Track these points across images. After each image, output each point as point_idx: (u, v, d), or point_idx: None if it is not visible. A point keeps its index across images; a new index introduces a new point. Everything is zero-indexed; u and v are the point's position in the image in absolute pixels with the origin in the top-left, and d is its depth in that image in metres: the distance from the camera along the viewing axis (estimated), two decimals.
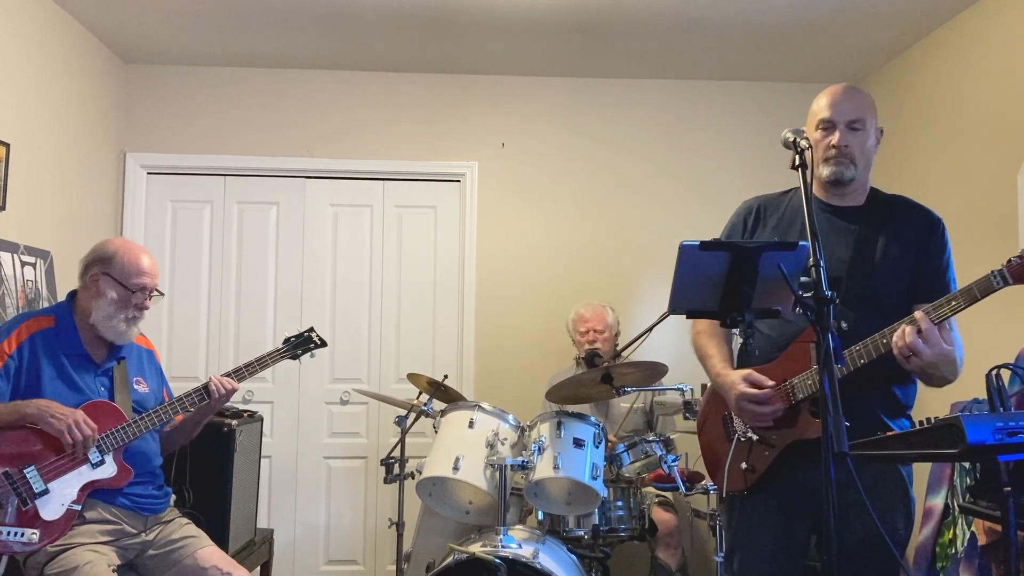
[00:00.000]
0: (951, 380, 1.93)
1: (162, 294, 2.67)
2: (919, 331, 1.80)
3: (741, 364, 2.20)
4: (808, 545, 2.15)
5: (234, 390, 2.64)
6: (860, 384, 1.91)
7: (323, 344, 2.83)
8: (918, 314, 1.83)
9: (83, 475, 2.37)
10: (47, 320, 2.51)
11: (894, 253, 2.06)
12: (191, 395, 2.59)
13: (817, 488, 1.83)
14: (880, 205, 2.15)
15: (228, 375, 2.63)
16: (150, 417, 2.49)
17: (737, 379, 2.06)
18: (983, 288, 1.76)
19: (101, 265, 2.53)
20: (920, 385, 2.10)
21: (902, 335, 1.82)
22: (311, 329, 2.84)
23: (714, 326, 2.27)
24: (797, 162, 1.84)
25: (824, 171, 2.09)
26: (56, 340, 2.48)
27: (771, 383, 2.02)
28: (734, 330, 2.15)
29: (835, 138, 2.08)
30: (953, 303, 1.80)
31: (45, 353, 2.45)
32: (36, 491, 2.29)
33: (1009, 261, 1.74)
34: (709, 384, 2.32)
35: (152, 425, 2.49)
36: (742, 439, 2.13)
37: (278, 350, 2.75)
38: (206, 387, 2.60)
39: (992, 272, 1.76)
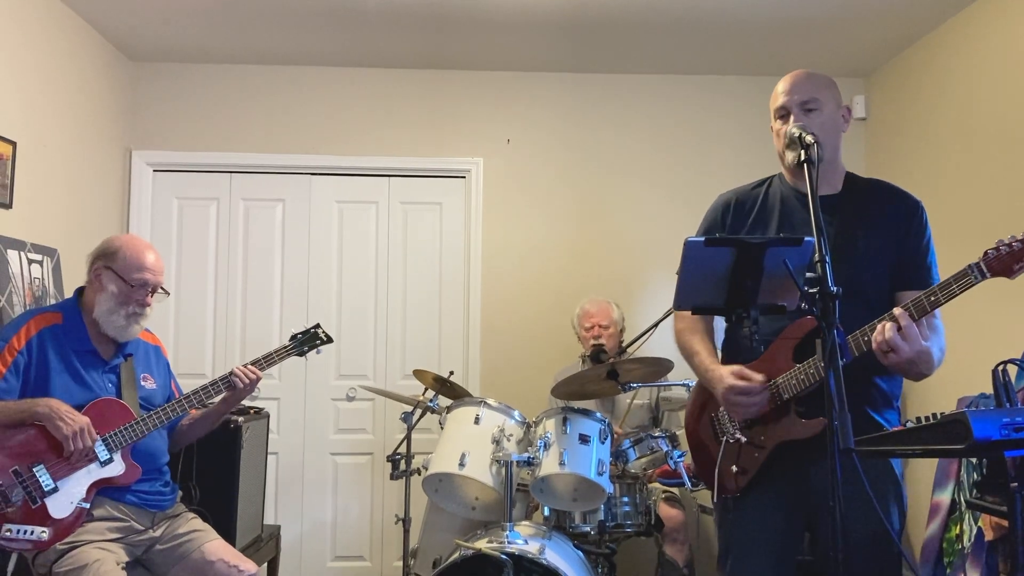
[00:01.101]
0: (929, 374, 1.90)
1: (167, 293, 2.66)
2: (899, 328, 1.79)
3: (727, 359, 2.18)
4: (801, 542, 2.15)
5: (259, 379, 2.65)
6: (846, 376, 1.90)
7: (329, 340, 2.83)
8: (897, 311, 1.81)
9: (92, 473, 2.38)
10: (55, 316, 2.52)
11: (874, 243, 2.04)
12: (208, 388, 2.60)
13: (809, 485, 1.83)
14: (857, 192, 2.12)
15: (246, 366, 2.64)
16: (159, 414, 2.50)
17: (725, 373, 2.04)
18: (962, 283, 1.75)
19: (105, 259, 2.54)
20: (931, 380, 2.08)
21: (881, 331, 1.81)
22: (317, 325, 2.84)
23: (696, 322, 2.24)
24: (803, 157, 1.84)
25: (788, 156, 2.06)
26: (64, 336, 2.49)
27: (759, 377, 1.99)
28: (721, 325, 2.14)
29: (790, 122, 2.06)
30: (933, 298, 1.79)
31: (53, 349, 2.46)
32: (45, 489, 2.30)
33: (986, 254, 1.73)
34: (695, 384, 2.30)
35: (162, 423, 2.50)
36: (730, 440, 2.11)
37: (285, 347, 2.76)
38: (228, 379, 2.61)
39: (969, 265, 1.74)
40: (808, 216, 2.07)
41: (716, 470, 2.13)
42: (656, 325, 3.21)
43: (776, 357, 2.03)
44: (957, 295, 1.76)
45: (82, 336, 2.52)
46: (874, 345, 1.83)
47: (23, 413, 2.32)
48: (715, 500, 2.17)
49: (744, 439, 2.07)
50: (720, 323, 2.04)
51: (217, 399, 2.67)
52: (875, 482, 1.96)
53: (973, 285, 1.74)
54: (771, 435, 2.03)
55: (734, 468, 2.10)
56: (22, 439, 2.32)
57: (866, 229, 2.06)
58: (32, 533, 2.25)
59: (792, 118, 2.06)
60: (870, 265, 2.03)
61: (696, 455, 2.27)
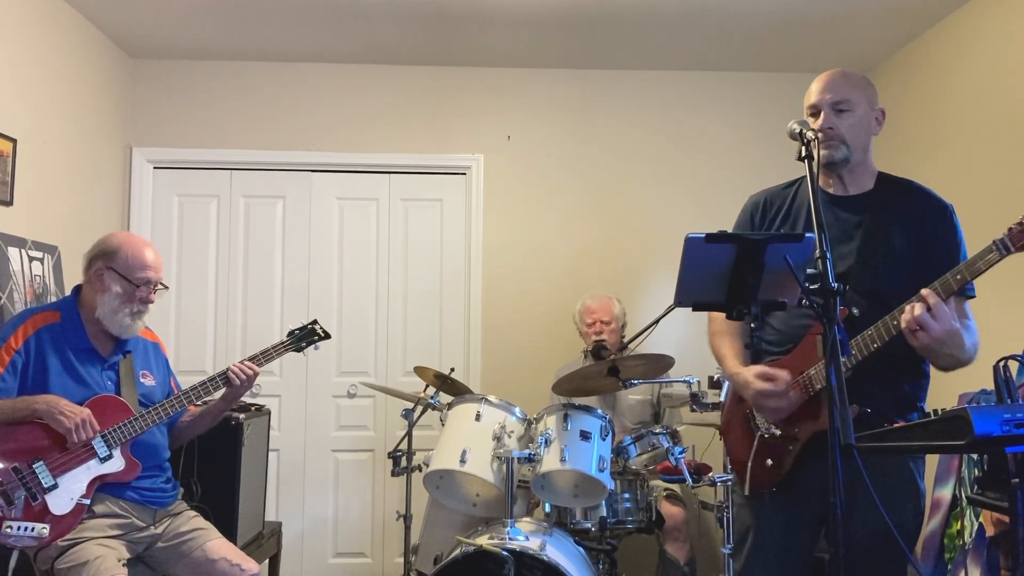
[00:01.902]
0: (961, 360, 1.89)
1: (166, 287, 2.67)
2: (928, 307, 1.79)
3: (758, 358, 2.18)
4: (818, 537, 2.14)
5: (256, 374, 2.66)
6: (868, 379, 1.90)
7: (327, 336, 2.83)
8: (925, 291, 1.81)
9: (91, 469, 2.38)
10: (52, 315, 2.52)
11: (899, 244, 2.04)
12: (206, 384, 2.60)
13: (824, 480, 1.83)
14: (887, 192, 2.13)
15: (242, 362, 2.65)
16: (158, 411, 2.50)
17: (750, 376, 2.05)
18: (987, 259, 1.75)
19: (105, 260, 2.54)
20: (932, 376, 2.08)
21: (910, 311, 1.81)
22: (315, 321, 2.85)
23: (729, 324, 2.25)
24: (803, 153, 1.84)
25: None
26: (62, 335, 2.49)
27: (784, 374, 2.00)
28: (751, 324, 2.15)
29: (820, 121, 2.07)
30: (959, 276, 1.79)
31: (52, 348, 2.46)
32: (45, 486, 2.30)
33: (1010, 229, 1.73)
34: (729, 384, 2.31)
35: (160, 419, 2.50)
36: (766, 435, 2.11)
37: (282, 343, 2.76)
38: (224, 376, 2.61)
39: (994, 241, 1.74)
40: (835, 215, 2.08)
41: (749, 464, 2.13)
42: (657, 321, 3.20)
43: (808, 350, 2.04)
44: (983, 271, 1.77)
45: (80, 334, 2.52)
46: (903, 324, 1.82)
47: (22, 410, 2.32)
48: (747, 494, 2.15)
49: (780, 432, 2.08)
50: None
51: (216, 395, 2.67)
52: (889, 481, 1.95)
53: (998, 261, 1.75)
54: (805, 427, 2.03)
55: (769, 462, 2.09)
56: (21, 436, 2.32)
57: (892, 231, 2.06)
58: (33, 530, 2.26)
59: (822, 116, 2.07)
60: (894, 267, 2.03)
61: (732, 454, 2.28)
